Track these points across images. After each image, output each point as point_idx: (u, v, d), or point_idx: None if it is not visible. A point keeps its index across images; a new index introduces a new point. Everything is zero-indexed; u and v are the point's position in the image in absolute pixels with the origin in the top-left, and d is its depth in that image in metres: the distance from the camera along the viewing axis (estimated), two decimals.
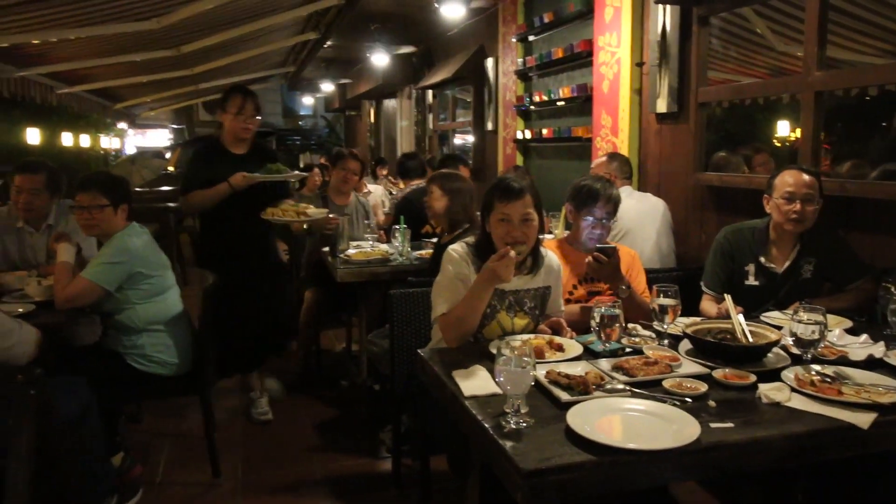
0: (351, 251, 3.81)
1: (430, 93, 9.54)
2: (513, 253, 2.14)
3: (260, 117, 3.62)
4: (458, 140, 9.22)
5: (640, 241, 3.44)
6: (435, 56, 9.02)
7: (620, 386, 1.79)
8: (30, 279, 3.04)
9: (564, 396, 1.71)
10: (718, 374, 1.87)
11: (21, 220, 3.45)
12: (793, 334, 1.95)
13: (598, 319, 2.06)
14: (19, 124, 11.06)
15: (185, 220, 8.16)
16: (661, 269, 3.28)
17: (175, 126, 19.23)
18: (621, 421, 1.64)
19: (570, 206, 2.81)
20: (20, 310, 2.73)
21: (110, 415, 2.87)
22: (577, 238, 2.79)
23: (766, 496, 2.26)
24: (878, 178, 3.14)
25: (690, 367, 1.96)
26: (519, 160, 6.35)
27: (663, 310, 2.17)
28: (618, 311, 2.07)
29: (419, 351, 2.19)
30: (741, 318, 2.17)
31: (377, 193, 6.16)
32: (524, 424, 1.57)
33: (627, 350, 2.11)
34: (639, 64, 4.17)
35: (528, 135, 6.08)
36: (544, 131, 5.72)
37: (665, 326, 2.18)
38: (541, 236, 2.44)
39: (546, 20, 5.50)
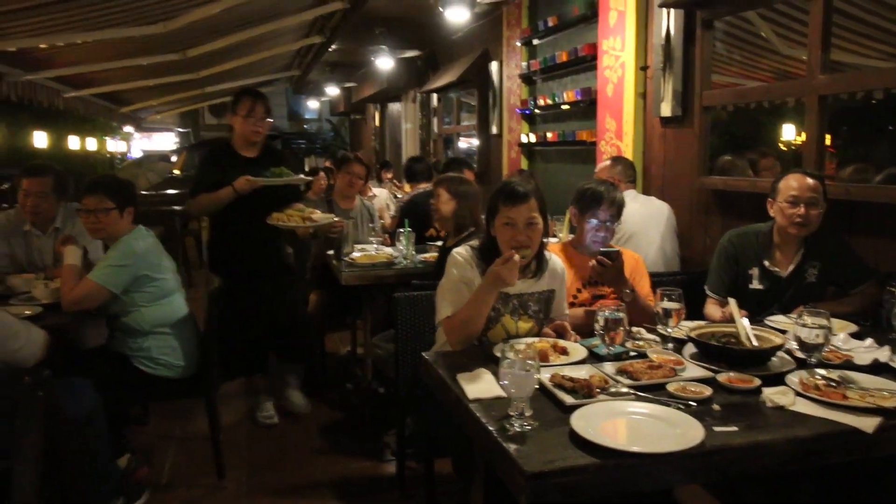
0: (356, 254, 3.82)
1: (434, 96, 9.56)
2: (517, 257, 2.14)
3: (270, 120, 3.60)
4: (462, 144, 9.23)
5: (645, 245, 3.44)
6: (439, 60, 9.04)
7: (624, 389, 1.80)
8: (37, 282, 3.06)
9: (568, 400, 1.71)
10: (723, 377, 1.87)
11: (28, 223, 3.48)
12: (797, 338, 1.96)
13: (602, 323, 2.07)
14: (26, 128, 11.13)
15: (191, 224, 8.18)
16: (666, 273, 3.28)
17: (181, 130, 19.31)
18: (625, 424, 1.64)
19: (574, 210, 2.81)
20: (27, 312, 2.75)
21: (116, 417, 2.89)
22: (581, 241, 2.79)
23: (770, 499, 2.26)
24: (883, 182, 3.13)
25: (694, 370, 1.96)
26: (523, 164, 6.35)
27: (667, 313, 2.17)
28: (622, 314, 2.07)
29: (423, 354, 2.20)
30: (745, 321, 2.18)
31: (382, 197, 6.18)
32: (528, 427, 1.58)
33: (632, 353, 2.12)
34: (643, 68, 4.17)
35: (532, 138, 6.09)
36: (549, 135, 5.73)
37: (669, 330, 2.19)
38: (545, 240, 2.44)
39: (550, 24, 5.51)
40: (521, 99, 6.26)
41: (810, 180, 2.59)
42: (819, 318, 1.91)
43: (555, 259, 2.51)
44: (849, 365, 2.00)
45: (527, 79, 6.18)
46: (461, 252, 2.40)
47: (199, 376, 3.03)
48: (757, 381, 1.84)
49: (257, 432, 3.66)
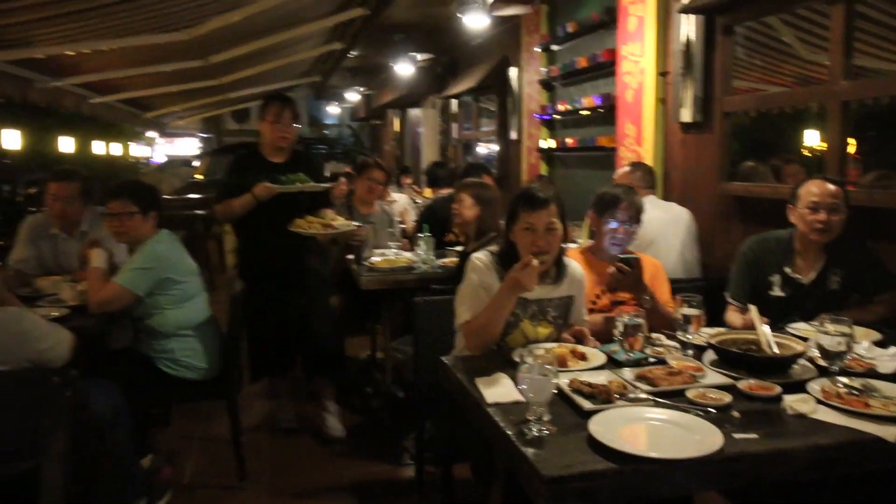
0: (375, 259, 3.85)
1: (454, 102, 9.59)
2: (535, 262, 2.15)
3: (298, 125, 3.56)
4: (482, 149, 9.25)
5: (665, 252, 3.43)
6: (459, 66, 9.07)
7: (643, 395, 1.80)
8: (64, 284, 3.12)
9: (587, 405, 1.72)
10: (743, 384, 1.87)
11: (55, 227, 3.54)
12: (819, 346, 1.94)
13: (621, 329, 2.07)
14: (53, 133, 11.31)
15: (213, 228, 8.27)
16: (686, 280, 3.27)
17: (203, 135, 19.52)
18: (644, 430, 1.64)
19: (592, 214, 2.82)
20: (55, 313, 2.80)
21: (140, 417, 2.94)
22: (600, 247, 2.80)
23: None
24: None
25: (715, 377, 1.95)
26: (543, 169, 6.36)
27: (687, 320, 2.16)
28: (641, 320, 2.07)
29: (442, 358, 2.21)
30: (766, 328, 2.17)
31: (402, 202, 6.20)
32: (546, 432, 1.59)
33: (651, 360, 2.11)
34: (663, 73, 4.17)
35: (552, 144, 6.09)
36: (568, 141, 5.73)
37: (689, 336, 2.18)
38: (564, 246, 2.45)
39: (569, 30, 5.52)
40: (540, 105, 6.27)
41: (831, 186, 2.57)
42: (841, 326, 1.89)
43: (574, 265, 2.51)
44: (872, 373, 1.98)
45: (546, 84, 6.19)
46: (480, 257, 2.42)
47: (222, 378, 3.07)
48: (778, 389, 1.83)
49: (278, 435, 3.69)
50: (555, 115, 6.02)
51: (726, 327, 2.55)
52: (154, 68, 5.89)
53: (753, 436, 1.57)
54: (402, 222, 5.40)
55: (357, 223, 3.70)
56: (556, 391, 1.69)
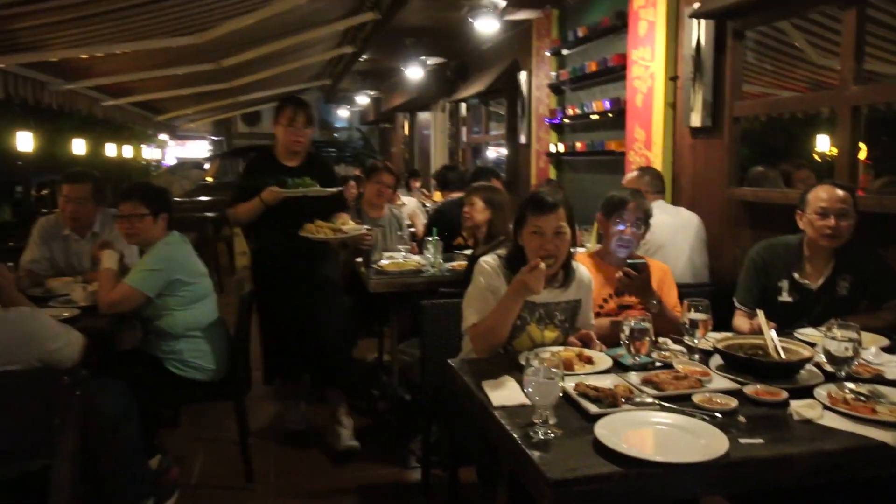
0: (384, 262, 3.86)
1: (463, 106, 9.61)
2: (543, 265, 2.16)
3: (310, 130, 3.50)
4: (491, 153, 9.26)
5: (673, 256, 3.42)
6: (469, 69, 9.09)
7: (649, 399, 1.80)
8: (75, 285, 3.15)
9: (593, 408, 1.72)
10: (749, 389, 1.87)
11: (68, 228, 3.57)
12: (826, 351, 1.94)
13: (627, 333, 2.07)
14: (66, 135, 11.41)
15: (223, 230, 8.32)
16: (695, 284, 3.26)
17: (214, 137, 19.64)
18: (649, 434, 1.64)
19: (600, 217, 2.83)
20: (65, 314, 2.83)
21: (149, 418, 2.96)
22: (608, 250, 2.80)
23: None
24: None
25: (721, 382, 1.95)
26: (552, 173, 6.36)
27: (694, 324, 2.16)
28: (647, 324, 2.07)
29: (449, 361, 2.22)
30: (774, 334, 2.16)
31: (411, 205, 6.22)
32: (552, 435, 1.59)
33: (657, 364, 2.11)
34: (673, 78, 4.16)
35: (561, 148, 6.09)
36: (577, 145, 5.72)
37: (696, 341, 2.18)
38: (572, 250, 2.45)
39: (580, 34, 5.52)
40: (549, 108, 6.27)
41: (840, 191, 2.56)
42: (849, 332, 1.89)
43: (582, 269, 2.52)
44: (879, 379, 1.98)
45: (556, 88, 6.19)
46: (488, 260, 2.43)
47: (230, 380, 3.09)
48: (784, 394, 1.82)
49: (285, 436, 3.71)
50: (564, 119, 6.02)
51: (734, 332, 2.55)
52: (166, 71, 5.93)
53: (759, 441, 1.57)
54: (412, 226, 5.42)
55: (366, 227, 3.64)
56: (561, 394, 1.70)
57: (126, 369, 2.85)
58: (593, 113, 5.36)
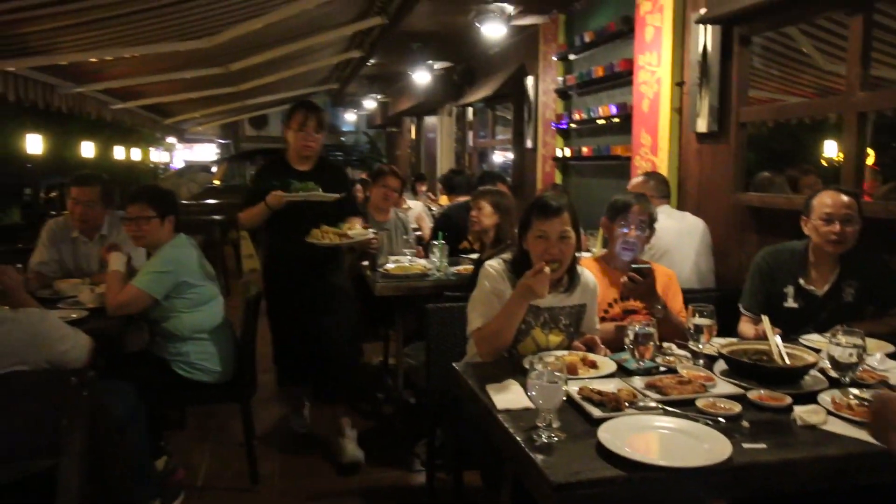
0: (389, 266, 3.88)
1: (470, 110, 9.63)
2: (547, 269, 2.17)
3: (323, 134, 3.46)
4: (498, 157, 9.27)
5: (679, 262, 3.42)
6: (476, 74, 9.11)
7: (653, 404, 1.80)
8: (83, 286, 3.17)
9: (596, 412, 1.72)
10: (753, 395, 1.87)
11: (76, 230, 3.60)
12: (830, 357, 1.94)
13: (631, 337, 2.08)
14: (75, 138, 11.48)
15: (230, 233, 8.35)
16: (700, 290, 3.26)
17: (222, 141, 19.73)
18: (652, 438, 1.65)
19: (605, 220, 2.83)
20: (73, 315, 2.85)
21: (155, 419, 2.98)
22: (613, 255, 2.80)
23: None
24: None
25: (725, 387, 1.95)
26: (558, 178, 6.37)
27: (698, 329, 2.17)
28: (652, 329, 2.08)
29: (454, 364, 2.23)
30: (778, 339, 2.16)
31: (417, 209, 6.24)
32: (555, 439, 1.60)
33: (662, 369, 2.12)
34: (679, 83, 4.17)
35: (567, 153, 6.10)
36: (584, 149, 5.73)
37: (700, 346, 2.18)
38: (578, 254, 2.46)
39: (587, 39, 5.53)
40: (556, 113, 6.28)
41: (845, 197, 2.56)
42: (853, 338, 1.89)
43: (587, 274, 2.52)
44: (884, 385, 1.97)
45: (562, 93, 6.20)
46: (493, 264, 2.43)
47: (236, 382, 3.10)
48: (788, 400, 1.82)
49: (291, 439, 3.72)
50: (571, 124, 6.03)
51: (739, 338, 2.55)
52: (174, 75, 5.98)
53: (762, 446, 1.57)
54: (418, 229, 5.43)
55: (372, 232, 3.60)
56: (565, 398, 1.70)
57: (133, 371, 2.87)
58: (600, 118, 5.37)
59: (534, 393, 1.65)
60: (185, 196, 10.62)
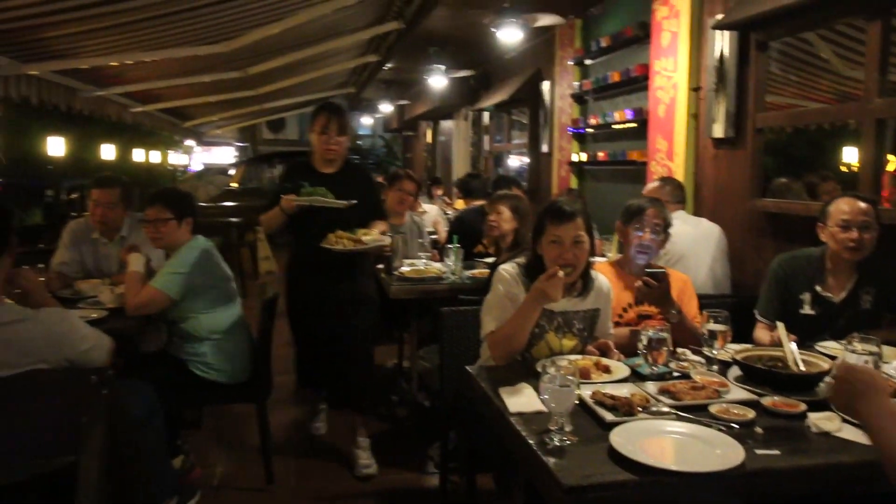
0: (405, 269, 3.90)
1: (486, 114, 9.65)
2: (561, 273, 2.18)
3: (346, 137, 3.38)
4: (514, 161, 9.28)
5: (694, 267, 3.41)
6: (492, 78, 9.13)
7: (666, 409, 1.81)
8: (103, 287, 3.22)
9: (609, 417, 1.73)
10: (767, 401, 1.86)
11: (96, 232, 3.65)
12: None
13: (645, 342, 2.08)
14: (95, 140, 11.63)
15: (247, 235, 8.42)
16: (716, 296, 3.25)
17: (239, 144, 19.88)
18: (665, 443, 1.65)
19: (620, 224, 2.84)
20: (94, 315, 2.89)
21: (172, 419, 3.01)
22: (628, 259, 2.80)
23: None
24: None
25: (739, 393, 1.95)
26: (573, 183, 6.36)
27: (713, 335, 2.17)
28: (665, 334, 2.08)
29: (467, 367, 2.24)
30: (794, 346, 2.15)
31: (432, 213, 6.26)
32: (568, 442, 1.61)
33: (675, 374, 2.12)
34: (695, 88, 4.16)
35: (583, 157, 6.10)
36: (599, 154, 5.73)
37: (715, 352, 2.18)
38: (592, 259, 2.46)
39: (603, 44, 5.53)
40: (572, 118, 6.28)
41: (862, 204, 2.54)
42: (869, 345, 1.88)
43: (601, 278, 2.53)
44: None
45: (578, 98, 6.21)
46: (507, 268, 2.45)
47: (251, 383, 3.13)
48: (802, 406, 1.82)
49: (306, 440, 3.74)
50: (586, 129, 6.03)
51: (754, 344, 2.54)
52: (194, 79, 6.04)
53: (776, 452, 1.57)
54: (434, 233, 5.45)
55: (387, 238, 3.50)
56: (577, 402, 1.71)
57: (151, 371, 2.90)
58: (615, 123, 5.37)
59: (546, 396, 1.66)
60: (204, 198, 10.71)
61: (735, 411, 1.79)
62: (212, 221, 7.48)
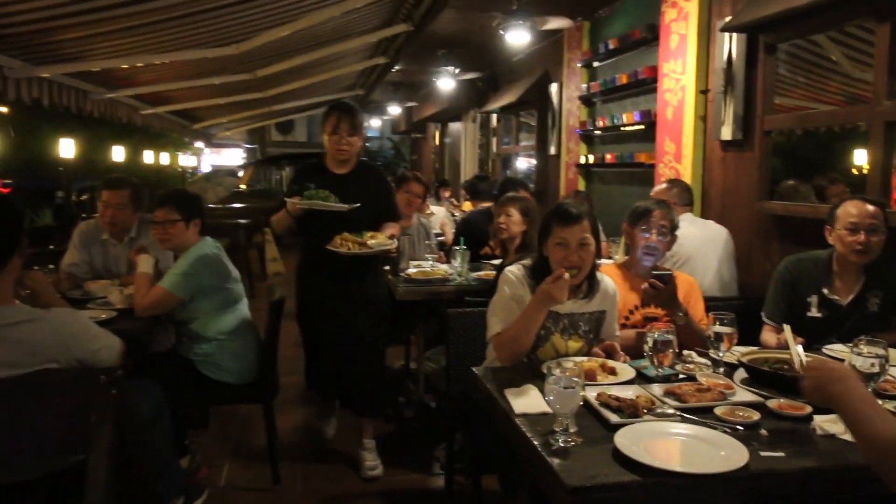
0: (411, 270, 3.91)
1: (494, 116, 9.66)
2: (567, 275, 2.18)
3: (358, 137, 3.31)
4: (522, 164, 9.29)
5: (701, 269, 3.41)
6: (500, 81, 9.14)
7: (671, 411, 1.81)
8: (113, 287, 3.24)
9: (613, 418, 1.73)
10: (773, 403, 1.86)
11: (106, 233, 3.68)
12: (852, 367, 1.92)
13: (650, 344, 2.08)
14: (105, 142, 11.70)
15: (255, 237, 8.46)
16: (723, 298, 3.24)
17: (248, 146, 19.97)
18: (669, 444, 1.65)
19: (626, 227, 2.84)
20: (103, 315, 2.91)
21: (180, 418, 3.03)
22: (635, 261, 2.81)
23: None
24: None
25: (744, 395, 1.95)
26: (581, 185, 6.36)
27: (719, 337, 2.17)
28: (671, 336, 2.08)
29: (473, 368, 2.25)
30: (800, 348, 2.15)
31: (440, 215, 6.27)
32: (572, 443, 1.61)
33: (681, 376, 2.12)
34: (703, 91, 4.16)
35: (590, 160, 6.10)
36: (607, 156, 5.73)
37: (720, 354, 2.18)
38: (598, 261, 2.47)
39: (611, 46, 5.53)
40: (580, 120, 6.29)
41: (870, 207, 2.54)
42: (875, 347, 1.88)
43: (607, 280, 2.53)
44: None
45: (586, 100, 6.21)
46: (513, 270, 2.45)
47: (258, 383, 3.15)
48: (808, 409, 1.82)
49: (313, 440, 3.76)
50: (594, 131, 6.03)
51: (760, 347, 2.53)
52: (203, 81, 6.08)
53: (781, 454, 1.57)
54: (441, 234, 5.46)
55: (393, 242, 3.34)
56: (582, 404, 1.72)
57: (159, 371, 2.92)
58: (623, 125, 5.37)
59: (551, 397, 1.66)
60: (213, 200, 10.77)
61: (740, 413, 1.79)
62: (220, 223, 7.51)
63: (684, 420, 1.76)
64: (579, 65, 6.23)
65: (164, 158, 13.88)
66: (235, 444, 3.70)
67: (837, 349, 2.41)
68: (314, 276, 3.40)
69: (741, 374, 2.12)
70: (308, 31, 4.89)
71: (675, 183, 3.80)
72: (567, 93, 6.58)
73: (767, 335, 2.75)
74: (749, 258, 3.78)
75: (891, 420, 1.33)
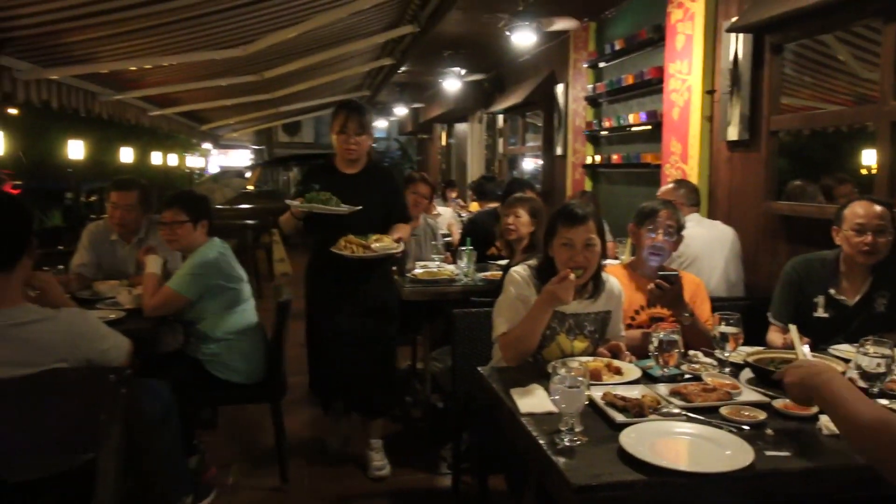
0: (418, 271, 3.92)
1: (500, 117, 9.66)
2: (572, 276, 2.19)
3: (366, 136, 3.26)
4: (528, 164, 9.29)
5: (708, 270, 3.41)
6: (506, 81, 9.14)
7: (676, 410, 1.81)
8: (121, 288, 3.26)
9: (619, 418, 1.74)
10: (779, 403, 1.86)
11: (115, 234, 3.70)
12: (858, 367, 1.93)
13: (656, 344, 2.09)
14: (114, 143, 11.76)
15: (262, 237, 8.49)
16: (729, 298, 3.24)
17: (255, 147, 20.03)
18: (675, 443, 1.66)
19: (633, 227, 2.84)
20: (112, 316, 2.93)
21: (188, 418, 3.05)
22: (641, 261, 2.81)
23: None
24: None
25: (750, 395, 1.95)
26: (587, 185, 6.36)
27: (724, 337, 2.17)
28: (676, 336, 2.08)
29: (479, 368, 2.26)
30: (806, 349, 2.15)
31: (446, 215, 6.28)
32: (578, 442, 1.62)
33: (687, 376, 2.12)
34: (710, 91, 4.16)
35: (597, 160, 6.10)
36: (613, 157, 5.72)
37: (726, 354, 2.18)
38: (604, 262, 2.47)
39: (617, 47, 5.53)
40: (586, 121, 6.28)
41: (878, 207, 2.53)
42: (882, 348, 1.88)
43: (612, 281, 2.53)
44: None
45: (592, 101, 6.20)
46: (519, 270, 2.46)
47: (266, 383, 3.17)
48: (814, 409, 1.81)
49: (321, 440, 3.77)
50: (600, 132, 6.03)
51: (766, 347, 2.53)
52: (211, 83, 6.11)
53: (786, 454, 1.57)
54: (448, 235, 5.47)
55: (399, 246, 3.26)
56: (587, 402, 1.72)
57: (168, 371, 2.94)
58: (630, 125, 5.37)
59: (556, 397, 1.67)
60: (220, 201, 10.81)
61: (746, 413, 1.79)
62: (228, 224, 7.55)
63: (690, 420, 1.76)
64: (585, 65, 6.23)
65: (172, 160, 13.95)
66: (243, 443, 3.72)
67: (844, 350, 2.40)
68: (321, 277, 3.38)
69: (747, 374, 2.12)
70: (315, 32, 4.91)
71: (682, 183, 3.80)
72: (573, 93, 6.59)
73: (774, 335, 2.75)
74: (756, 258, 3.78)
75: (872, 403, 1.35)
